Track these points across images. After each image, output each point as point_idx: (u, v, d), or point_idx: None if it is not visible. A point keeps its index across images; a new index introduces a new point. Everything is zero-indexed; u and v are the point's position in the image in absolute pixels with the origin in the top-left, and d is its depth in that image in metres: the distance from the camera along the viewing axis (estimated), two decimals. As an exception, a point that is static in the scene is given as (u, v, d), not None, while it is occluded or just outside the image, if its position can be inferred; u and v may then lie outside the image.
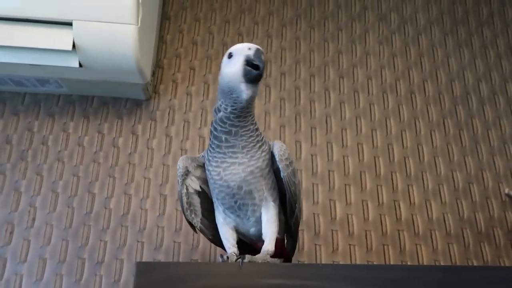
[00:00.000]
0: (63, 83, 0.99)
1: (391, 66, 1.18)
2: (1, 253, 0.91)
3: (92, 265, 0.92)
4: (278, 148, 0.66)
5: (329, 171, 1.05)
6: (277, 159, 0.65)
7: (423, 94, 1.16)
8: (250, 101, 0.62)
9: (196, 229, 0.71)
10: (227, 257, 0.58)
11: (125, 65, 0.88)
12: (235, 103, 0.61)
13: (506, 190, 1.07)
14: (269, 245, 0.62)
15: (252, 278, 0.53)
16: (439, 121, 1.13)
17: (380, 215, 1.02)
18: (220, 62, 1.14)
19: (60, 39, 0.83)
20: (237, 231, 0.67)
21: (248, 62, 0.60)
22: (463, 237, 1.02)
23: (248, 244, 0.70)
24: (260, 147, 0.65)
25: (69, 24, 0.84)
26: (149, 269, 0.52)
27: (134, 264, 0.54)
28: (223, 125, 0.63)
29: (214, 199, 0.68)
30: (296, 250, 0.97)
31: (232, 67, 0.61)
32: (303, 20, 1.21)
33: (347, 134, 1.09)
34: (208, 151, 0.66)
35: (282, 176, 0.65)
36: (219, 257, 0.56)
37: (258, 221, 0.65)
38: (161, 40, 1.14)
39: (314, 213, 1.01)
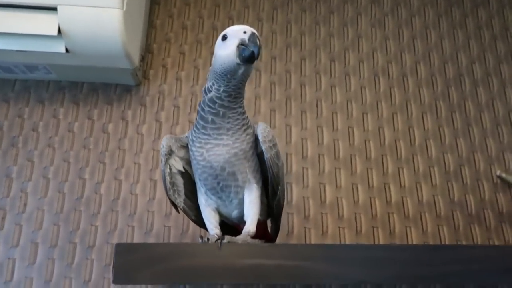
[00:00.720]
0: (52, 69, 0.99)
1: (383, 49, 1.17)
2: (-6, 238, 0.92)
3: (83, 249, 0.93)
4: (262, 130, 0.66)
5: (319, 154, 1.05)
6: (260, 140, 0.66)
7: (415, 77, 1.15)
8: (244, 80, 0.63)
9: (179, 209, 0.71)
10: (208, 238, 0.58)
11: (111, 49, 0.88)
12: (229, 82, 0.62)
13: (498, 172, 1.06)
14: (250, 226, 0.62)
15: (230, 259, 0.54)
16: (431, 103, 1.12)
17: (370, 198, 1.02)
18: (210, 47, 1.14)
19: (45, 24, 0.83)
20: (219, 213, 0.68)
21: (243, 45, 0.60)
22: (453, 219, 1.02)
23: (231, 226, 0.71)
24: (245, 130, 0.66)
25: (54, 9, 0.83)
26: (128, 250, 0.53)
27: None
28: (212, 106, 0.63)
29: (196, 180, 0.68)
30: (286, 234, 0.98)
31: (227, 49, 0.61)
32: (294, 2, 1.20)
33: (337, 118, 1.09)
34: (193, 132, 0.67)
35: (265, 157, 0.66)
36: (199, 238, 0.57)
37: (241, 204, 0.66)
38: (150, 25, 1.13)
39: (304, 197, 1.01)
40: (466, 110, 1.13)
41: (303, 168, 1.03)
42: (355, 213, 1.01)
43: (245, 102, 1.06)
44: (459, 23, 1.22)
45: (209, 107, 0.63)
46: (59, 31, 0.84)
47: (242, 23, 1.15)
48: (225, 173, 0.64)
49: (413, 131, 1.09)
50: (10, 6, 0.82)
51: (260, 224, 0.66)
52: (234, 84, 0.63)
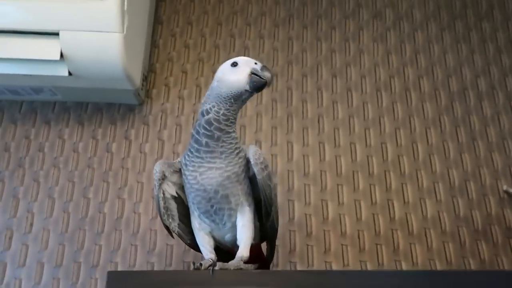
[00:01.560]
0: (56, 91, 1.01)
1: (386, 64, 1.17)
2: (1, 258, 0.94)
3: (87, 269, 0.94)
4: (253, 153, 0.67)
5: (321, 171, 1.05)
6: (252, 162, 0.67)
7: (418, 91, 1.14)
8: (243, 105, 0.67)
9: (174, 234, 0.72)
10: (200, 264, 0.59)
11: (112, 72, 0.90)
12: (230, 106, 0.64)
13: (505, 187, 1.04)
14: (243, 250, 0.63)
15: (223, 286, 0.54)
16: (435, 118, 1.12)
17: (373, 214, 1.01)
18: (212, 65, 1.15)
19: (48, 49, 0.85)
20: (213, 237, 0.68)
21: (255, 74, 0.64)
22: (459, 236, 1.00)
23: (225, 250, 0.71)
24: (237, 154, 0.67)
25: (56, 34, 0.85)
26: (120, 279, 0.54)
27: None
28: (208, 128, 0.64)
29: (190, 204, 0.69)
30: (288, 251, 0.98)
31: (237, 75, 0.64)
32: (295, 19, 1.21)
33: (339, 133, 1.09)
34: (186, 156, 0.67)
35: (257, 179, 0.67)
36: (192, 265, 0.57)
37: (234, 227, 0.67)
38: (153, 44, 1.15)
39: (306, 214, 1.01)
40: (471, 124, 1.11)
41: (304, 185, 1.03)
42: (358, 230, 1.00)
43: (246, 119, 1.07)
44: (462, 36, 1.21)
45: (205, 129, 0.64)
46: (62, 55, 0.86)
47: (244, 40, 1.17)
48: (219, 196, 0.65)
49: (417, 146, 1.08)
50: (14, 32, 0.84)
51: (254, 248, 0.66)
52: (234, 109, 0.65)
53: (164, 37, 1.16)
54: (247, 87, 0.64)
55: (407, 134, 1.09)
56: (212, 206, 0.65)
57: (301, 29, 1.20)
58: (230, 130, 0.66)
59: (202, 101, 0.68)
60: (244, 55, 1.15)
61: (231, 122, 0.66)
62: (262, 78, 0.63)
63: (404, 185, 1.04)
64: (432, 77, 1.16)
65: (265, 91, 1.10)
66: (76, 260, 0.95)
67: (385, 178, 1.05)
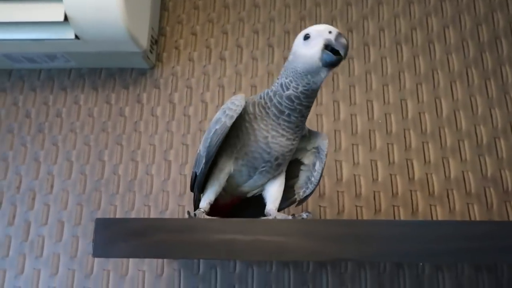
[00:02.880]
0: (70, 57, 1.03)
1: (407, 14, 1.08)
2: (26, 217, 1.00)
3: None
4: (327, 145, 0.72)
5: (335, 130, 1.00)
6: (324, 152, 0.72)
7: (443, 43, 1.05)
8: (322, 81, 0.62)
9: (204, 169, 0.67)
10: (194, 214, 0.58)
11: (115, 34, 0.90)
12: (307, 83, 0.61)
13: (540, 144, 0.95)
14: (275, 207, 0.68)
15: (206, 234, 0.53)
16: (461, 71, 1.03)
17: (391, 175, 0.96)
18: (222, 26, 1.12)
19: (52, 12, 0.87)
20: (230, 184, 0.69)
21: (328, 46, 0.58)
22: (486, 197, 0.93)
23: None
24: (303, 129, 0.68)
25: (59, -1, 0.86)
26: (107, 224, 0.54)
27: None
28: (290, 103, 0.62)
29: (232, 149, 0.66)
30: (300, 212, 0.95)
31: (310, 49, 0.59)
32: (310, -27, 1.14)
33: (355, 91, 1.03)
34: (258, 110, 0.65)
35: (321, 168, 0.72)
36: (186, 214, 0.56)
37: (261, 187, 0.70)
38: (163, 7, 1.14)
39: (318, 175, 0.97)
40: (502, 76, 1.01)
41: (317, 145, 0.99)
42: (374, 191, 0.95)
43: (258, 79, 1.04)
44: (496, -21, 1.09)
45: (287, 103, 0.62)
46: (66, 18, 0.87)
47: (254, 1, 1.12)
48: (276, 163, 0.66)
49: (440, 102, 1.00)
50: (18, -2, 0.86)
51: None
52: (312, 87, 0.61)
53: (173, 0, 1.15)
54: (321, 64, 0.58)
55: (430, 90, 1.02)
56: (263, 167, 0.66)
57: (316, -17, 1.13)
58: (310, 105, 0.64)
59: (282, 70, 0.64)
60: (254, 13, 1.12)
61: (311, 98, 0.63)
62: (336, 52, 0.58)
63: (425, 144, 0.98)
64: (460, 26, 1.06)
65: (276, 49, 1.07)
66: (93, 220, 0.98)
67: (405, 136, 0.99)
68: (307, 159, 0.73)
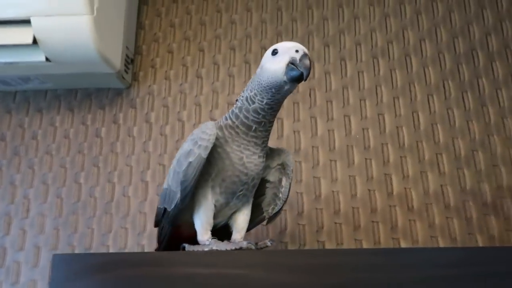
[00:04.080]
0: (44, 79, 1.02)
1: (383, 28, 1.08)
2: (1, 243, 0.98)
3: (82, 251, 0.96)
4: (292, 160, 0.73)
5: (313, 147, 1.00)
6: (290, 168, 0.72)
7: (419, 56, 1.05)
8: (286, 96, 0.64)
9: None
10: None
11: (86, 55, 0.89)
12: (272, 96, 0.62)
13: (518, 156, 0.95)
14: (242, 235, 0.67)
15: (168, 268, 0.52)
16: (438, 84, 1.02)
17: (369, 190, 0.96)
18: (199, 43, 1.12)
19: (21, 35, 0.86)
20: None
21: (292, 64, 0.60)
22: (465, 210, 0.93)
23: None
24: (267, 146, 0.68)
25: (28, 21, 0.85)
26: (65, 261, 0.53)
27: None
28: (256, 116, 0.63)
29: (210, 178, 0.65)
30: (278, 231, 0.95)
31: (276, 64, 0.61)
32: (286, -12, 1.14)
33: (332, 106, 1.02)
34: (227, 131, 0.64)
35: (288, 183, 0.72)
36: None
37: (235, 213, 0.69)
38: (139, 26, 1.13)
39: (297, 192, 0.96)
40: (479, 89, 1.01)
41: (296, 162, 0.99)
42: (353, 207, 0.95)
43: (235, 96, 1.03)
44: (471, -10, 1.09)
45: (253, 116, 0.63)
46: (35, 41, 0.86)
47: (231, 15, 1.12)
48: (252, 183, 0.66)
49: (418, 115, 1.00)
50: (-14, 23, 0.85)
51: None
52: (277, 99, 0.62)
53: (149, 18, 1.14)
54: (285, 78, 0.60)
55: (407, 103, 1.01)
56: (241, 190, 0.65)
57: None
58: (272, 119, 0.65)
59: (248, 83, 0.65)
60: (231, 30, 1.11)
61: (275, 111, 0.64)
62: (299, 69, 0.59)
63: (403, 158, 0.97)
64: (436, 39, 1.06)
65: (253, 65, 1.06)
66: (70, 244, 0.97)
67: (382, 151, 0.98)
68: (272, 176, 0.73)
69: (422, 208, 0.93)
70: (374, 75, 1.04)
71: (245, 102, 0.63)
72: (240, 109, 0.64)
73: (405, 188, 0.95)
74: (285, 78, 0.60)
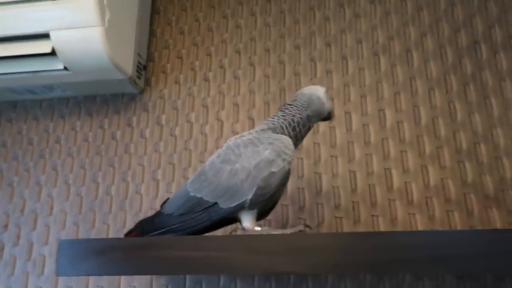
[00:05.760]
0: (65, 87, 1.12)
1: (384, 25, 1.10)
2: (29, 238, 1.07)
3: (99, 246, 1.03)
4: None
5: (314, 143, 1.03)
6: None
7: (421, 51, 1.06)
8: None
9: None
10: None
11: (100, 64, 0.96)
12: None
13: (522, 148, 0.94)
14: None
15: (160, 251, 0.57)
16: (439, 78, 1.03)
17: (369, 185, 0.97)
18: (206, 48, 1.17)
19: (41, 46, 0.95)
20: None
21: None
22: (466, 203, 0.93)
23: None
24: None
25: (47, 35, 0.94)
26: (69, 245, 0.59)
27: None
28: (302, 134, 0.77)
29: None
30: (281, 225, 0.98)
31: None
32: (289, -9, 1.18)
33: (334, 104, 1.05)
34: (291, 143, 0.70)
35: None
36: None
37: None
38: (152, 34, 1.21)
39: (298, 188, 1.00)
40: (482, 81, 1.01)
41: (297, 159, 1.02)
42: (353, 202, 0.97)
43: (240, 97, 1.08)
44: (473, -16, 1.09)
45: (301, 132, 0.76)
46: (54, 52, 0.95)
47: (237, 20, 1.17)
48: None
49: (419, 109, 1.01)
50: (9, 39, 0.95)
51: None
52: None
53: (161, 26, 1.21)
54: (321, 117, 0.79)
55: (408, 98, 1.02)
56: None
57: (294, 1, 1.17)
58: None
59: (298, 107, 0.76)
60: (236, 34, 1.16)
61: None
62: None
63: (404, 153, 0.99)
64: (437, 34, 1.07)
65: (257, 68, 1.11)
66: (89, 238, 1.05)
67: (383, 146, 1.00)
68: None
69: (422, 201, 0.94)
70: (375, 72, 1.06)
71: (298, 116, 0.74)
72: (297, 125, 0.74)
73: (405, 182, 0.96)
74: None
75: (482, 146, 0.96)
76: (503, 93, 0.99)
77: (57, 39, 0.94)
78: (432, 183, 0.95)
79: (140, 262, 0.58)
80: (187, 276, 0.95)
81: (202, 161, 1.06)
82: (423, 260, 0.52)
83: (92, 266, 0.58)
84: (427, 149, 0.98)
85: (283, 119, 0.73)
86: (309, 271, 0.54)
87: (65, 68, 0.99)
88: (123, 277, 0.99)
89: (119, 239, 0.59)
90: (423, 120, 1.00)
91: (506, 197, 0.91)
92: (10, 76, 1.02)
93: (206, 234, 0.64)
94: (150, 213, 1.04)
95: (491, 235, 0.52)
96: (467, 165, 0.95)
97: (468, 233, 0.53)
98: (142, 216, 1.04)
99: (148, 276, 0.97)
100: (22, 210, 1.10)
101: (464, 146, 0.97)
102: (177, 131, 1.10)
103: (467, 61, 1.03)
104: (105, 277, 1.00)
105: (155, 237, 0.60)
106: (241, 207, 0.66)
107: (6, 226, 1.09)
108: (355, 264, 0.53)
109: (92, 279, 1.00)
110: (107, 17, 0.95)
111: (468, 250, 0.52)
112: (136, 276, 0.97)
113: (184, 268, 0.56)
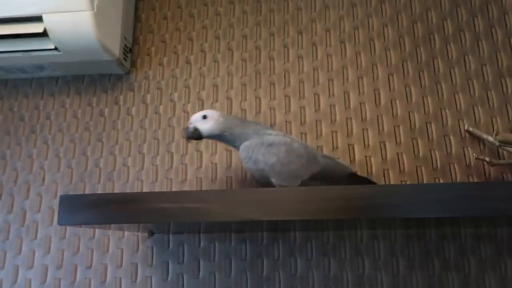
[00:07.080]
0: (55, 67, 1.19)
1: (350, 16, 1.21)
2: (22, 206, 1.16)
3: (88, 213, 1.13)
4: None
5: (316, 120, 1.13)
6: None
7: (382, 40, 1.18)
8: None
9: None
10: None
11: (89, 45, 1.05)
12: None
13: (466, 127, 1.07)
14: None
15: (145, 204, 0.68)
16: (398, 65, 1.15)
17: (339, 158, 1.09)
18: (188, 33, 1.26)
19: (34, 27, 1.02)
20: None
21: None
22: (417, 175, 1.06)
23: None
24: None
25: (40, 18, 1.02)
26: (68, 199, 0.69)
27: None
28: None
29: None
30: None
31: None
32: (266, -18, 1.28)
33: (333, 84, 1.16)
34: None
35: None
36: None
37: None
38: (137, 19, 1.29)
39: (271, 161, 1.11)
40: (435, 68, 1.13)
41: (301, 134, 1.13)
42: (320, 173, 1.08)
43: (219, 79, 1.18)
44: (430, -20, 1.21)
45: None
46: (46, 33, 1.03)
47: (216, 8, 1.27)
48: None
49: (379, 92, 1.13)
50: (3, 20, 1.02)
51: None
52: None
53: (145, 12, 1.30)
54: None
55: (370, 82, 1.14)
56: None
57: (271, -9, 1.27)
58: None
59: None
60: (216, 21, 1.26)
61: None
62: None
63: (365, 131, 1.11)
64: (397, 24, 1.18)
65: (235, 52, 1.21)
66: (79, 207, 1.14)
67: (347, 124, 1.12)
68: None
69: (380, 173, 1.07)
70: (341, 58, 1.17)
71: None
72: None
73: (365, 156, 1.09)
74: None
75: (433, 125, 1.09)
76: (452, 79, 1.12)
77: (49, 21, 1.02)
78: (389, 157, 1.08)
79: (129, 213, 0.68)
80: (170, 238, 1.06)
81: (183, 137, 1.16)
82: (379, 206, 0.64)
83: (88, 217, 0.68)
84: (385, 127, 1.10)
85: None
86: (277, 217, 0.65)
87: (56, 49, 1.07)
88: (111, 237, 1.08)
89: (110, 194, 0.69)
90: (383, 102, 1.12)
91: (452, 170, 1.05)
92: (3, 55, 1.10)
93: (185, 190, 0.74)
94: (137, 183, 1.14)
95: (432, 187, 0.64)
96: (420, 141, 1.08)
97: (414, 186, 0.65)
98: (129, 187, 1.14)
99: (135, 238, 1.07)
100: (15, 181, 1.18)
101: (418, 125, 1.09)
102: (161, 109, 1.20)
103: (422, 50, 1.16)
104: (95, 239, 1.09)
105: (141, 192, 0.69)
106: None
107: (0, 195, 1.17)
108: (316, 211, 0.64)
109: (82, 240, 1.09)
110: (96, 3, 1.03)
111: (416, 199, 0.63)
112: (124, 239, 1.07)
113: (165, 217, 0.67)
